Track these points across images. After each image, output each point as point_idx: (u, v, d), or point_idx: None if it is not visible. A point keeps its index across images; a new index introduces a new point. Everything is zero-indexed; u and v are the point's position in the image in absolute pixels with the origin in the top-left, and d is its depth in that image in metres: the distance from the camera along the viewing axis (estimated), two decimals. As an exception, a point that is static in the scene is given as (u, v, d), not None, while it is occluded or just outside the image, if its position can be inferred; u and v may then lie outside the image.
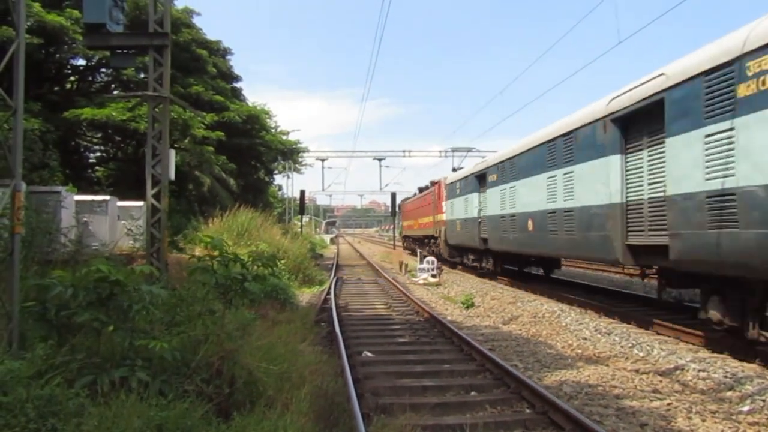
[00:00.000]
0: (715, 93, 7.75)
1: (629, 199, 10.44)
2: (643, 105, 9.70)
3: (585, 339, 10.24)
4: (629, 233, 10.40)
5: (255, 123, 29.76)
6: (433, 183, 30.61)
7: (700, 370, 7.74)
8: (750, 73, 7.09)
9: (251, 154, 31.89)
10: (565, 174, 12.94)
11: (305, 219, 59.20)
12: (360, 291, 18.64)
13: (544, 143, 14.25)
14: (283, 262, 17.90)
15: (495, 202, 18.41)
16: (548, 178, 13.87)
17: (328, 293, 16.33)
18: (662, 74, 9.21)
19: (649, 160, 9.82)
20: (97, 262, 5.15)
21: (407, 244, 44.45)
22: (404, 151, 48.52)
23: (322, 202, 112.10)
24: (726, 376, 7.38)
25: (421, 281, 21.48)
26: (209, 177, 25.56)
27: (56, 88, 23.16)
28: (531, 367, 8.47)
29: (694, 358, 8.35)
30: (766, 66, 6.86)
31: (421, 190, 36.41)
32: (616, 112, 10.57)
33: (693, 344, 9.33)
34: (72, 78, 24.68)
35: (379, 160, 49.51)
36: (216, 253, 5.98)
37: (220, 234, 16.84)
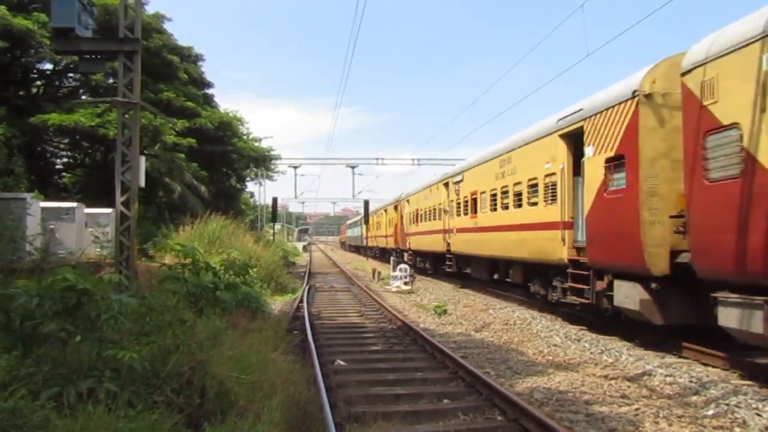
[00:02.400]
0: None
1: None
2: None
3: (556, 345, 10.37)
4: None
5: (227, 130, 29.55)
6: (342, 224, 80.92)
7: (666, 375, 7.91)
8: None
9: (223, 160, 31.65)
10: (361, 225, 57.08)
11: (277, 226, 58.90)
12: (333, 299, 18.57)
13: (357, 219, 66.63)
14: (255, 270, 17.74)
15: (356, 231, 66.41)
16: (358, 226, 62.00)
17: (301, 301, 16.24)
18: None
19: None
20: (63, 271, 5.04)
21: (340, 244, 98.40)
22: (377, 159, 48.58)
23: (294, 210, 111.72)
24: (692, 381, 7.56)
25: (394, 289, 21.52)
26: (180, 184, 25.24)
27: (22, 93, 22.67)
28: (503, 374, 8.54)
29: (661, 363, 8.54)
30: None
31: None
32: (362, 218, 54.63)
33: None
34: (39, 82, 24.21)
35: (352, 167, 49.42)
36: (187, 260, 5.90)
37: (191, 242, 16.63)
